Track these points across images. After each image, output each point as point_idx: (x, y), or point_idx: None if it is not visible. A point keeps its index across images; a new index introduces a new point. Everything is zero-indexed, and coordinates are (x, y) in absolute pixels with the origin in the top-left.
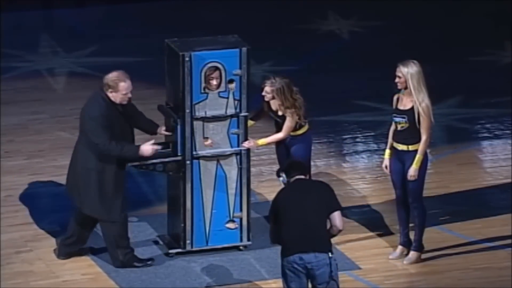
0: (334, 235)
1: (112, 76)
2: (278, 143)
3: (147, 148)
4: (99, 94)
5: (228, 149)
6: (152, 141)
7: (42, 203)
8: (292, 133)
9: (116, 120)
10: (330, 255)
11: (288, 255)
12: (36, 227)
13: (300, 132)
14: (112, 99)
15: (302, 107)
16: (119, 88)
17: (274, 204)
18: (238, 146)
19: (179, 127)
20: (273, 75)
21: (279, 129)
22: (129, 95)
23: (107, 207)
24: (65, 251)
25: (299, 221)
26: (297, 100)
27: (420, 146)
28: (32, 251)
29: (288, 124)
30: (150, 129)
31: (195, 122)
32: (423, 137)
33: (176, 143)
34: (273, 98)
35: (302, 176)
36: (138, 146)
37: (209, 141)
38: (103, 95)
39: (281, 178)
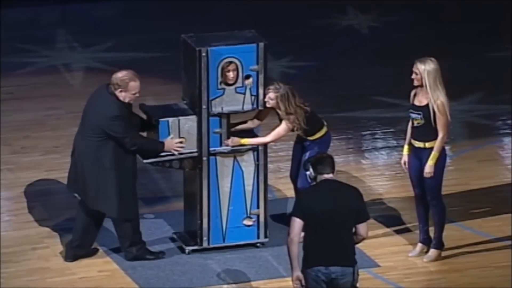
0: (357, 243)
1: (122, 75)
2: (296, 142)
3: (171, 143)
4: (107, 92)
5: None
6: (172, 136)
7: (58, 199)
8: (309, 137)
9: (128, 119)
10: (355, 266)
11: (313, 265)
12: (52, 223)
13: (316, 136)
14: (121, 98)
15: (304, 117)
16: (129, 87)
17: (300, 204)
18: (220, 145)
19: (161, 127)
20: (277, 81)
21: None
22: (137, 94)
23: (125, 205)
24: (72, 254)
25: (327, 231)
26: (299, 107)
27: (436, 144)
28: (49, 248)
29: (279, 130)
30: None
31: (171, 122)
32: (440, 135)
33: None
34: (277, 104)
35: (331, 175)
36: (162, 142)
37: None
38: (111, 93)
39: (308, 172)
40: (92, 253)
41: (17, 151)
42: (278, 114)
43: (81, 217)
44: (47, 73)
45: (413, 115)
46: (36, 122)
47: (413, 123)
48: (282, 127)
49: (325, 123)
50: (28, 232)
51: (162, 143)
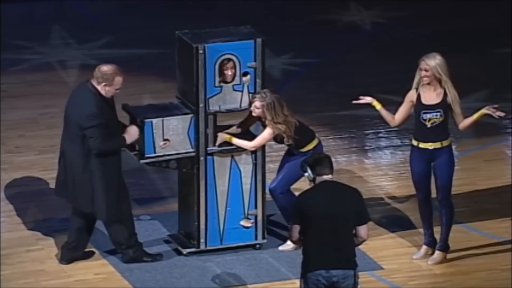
0: (357, 245)
1: (107, 69)
2: (286, 155)
3: (132, 131)
4: (87, 89)
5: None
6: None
7: (53, 200)
8: (300, 150)
9: (109, 115)
10: (356, 269)
11: (314, 269)
12: (47, 224)
13: (307, 148)
14: (103, 92)
15: (293, 126)
16: (114, 82)
17: (299, 207)
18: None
19: (145, 127)
20: (264, 89)
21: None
22: (119, 90)
23: (113, 207)
24: (68, 256)
25: (328, 234)
26: (288, 116)
27: (469, 121)
28: (44, 250)
29: (263, 135)
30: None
31: (155, 123)
32: (464, 120)
33: (143, 143)
34: (263, 113)
35: (330, 176)
36: (123, 136)
37: (165, 143)
38: (92, 88)
39: (306, 174)
40: (88, 255)
41: (11, 150)
42: (262, 123)
43: (76, 218)
44: (41, 70)
45: (429, 115)
46: (30, 121)
47: (424, 125)
48: (267, 132)
49: (316, 135)
50: (22, 234)
51: (123, 137)
